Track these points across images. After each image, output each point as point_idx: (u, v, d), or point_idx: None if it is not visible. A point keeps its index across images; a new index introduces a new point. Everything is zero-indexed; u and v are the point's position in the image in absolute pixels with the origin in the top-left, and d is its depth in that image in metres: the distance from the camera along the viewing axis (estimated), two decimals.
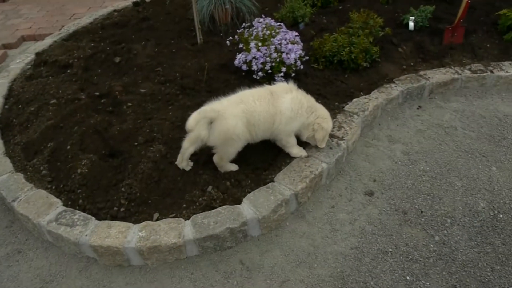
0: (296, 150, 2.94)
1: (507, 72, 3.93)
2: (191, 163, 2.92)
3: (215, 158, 2.82)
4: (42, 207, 2.69)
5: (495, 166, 3.10)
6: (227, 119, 2.60)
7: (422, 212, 2.76)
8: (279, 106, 2.73)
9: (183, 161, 2.86)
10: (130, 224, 2.54)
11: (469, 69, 3.97)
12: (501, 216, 2.71)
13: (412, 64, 4.08)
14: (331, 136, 3.12)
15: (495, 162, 3.13)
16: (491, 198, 2.84)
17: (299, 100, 2.78)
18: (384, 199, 2.87)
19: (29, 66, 4.37)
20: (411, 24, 4.42)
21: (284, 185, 2.71)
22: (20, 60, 4.43)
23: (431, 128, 3.50)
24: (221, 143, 2.68)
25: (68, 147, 3.09)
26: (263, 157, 2.98)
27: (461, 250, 2.51)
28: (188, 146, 2.78)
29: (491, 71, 3.93)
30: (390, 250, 2.54)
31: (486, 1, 5.12)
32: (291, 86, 2.84)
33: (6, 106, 3.77)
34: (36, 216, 2.64)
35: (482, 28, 4.57)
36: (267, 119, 2.72)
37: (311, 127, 2.85)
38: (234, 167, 2.89)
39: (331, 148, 3.01)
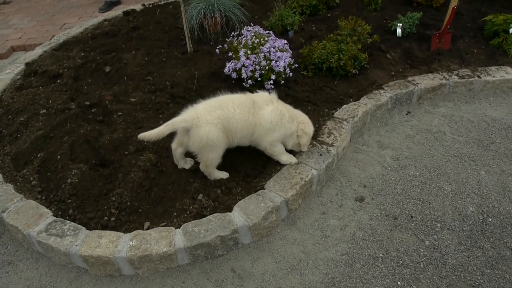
0: (285, 158, 2.95)
1: (494, 77, 3.98)
2: (191, 161, 2.95)
3: (201, 167, 2.83)
4: (32, 218, 2.67)
5: (484, 170, 3.14)
6: (200, 127, 2.60)
7: (412, 217, 2.78)
8: (259, 118, 2.73)
9: (179, 161, 2.93)
10: (121, 234, 2.53)
11: (457, 75, 4.02)
12: (490, 220, 2.74)
13: (400, 70, 4.12)
14: (321, 142, 3.14)
15: (484, 166, 3.17)
16: (480, 202, 2.87)
17: (280, 111, 2.78)
18: (374, 205, 2.89)
19: (19, 77, 4.35)
20: (399, 31, 4.48)
21: (275, 192, 2.72)
22: (10, 71, 4.41)
23: (420, 133, 3.54)
24: (199, 149, 2.69)
25: (58, 157, 3.09)
26: (253, 165, 2.99)
27: (451, 255, 2.53)
28: (176, 147, 2.85)
29: (478, 76, 3.99)
30: (381, 255, 2.55)
31: (472, 8, 5.21)
32: (272, 96, 2.83)
33: None
34: (26, 226, 2.62)
35: (469, 34, 4.64)
36: (246, 128, 2.72)
37: (295, 135, 2.87)
38: (223, 175, 2.89)
39: (321, 155, 3.02)
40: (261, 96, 2.84)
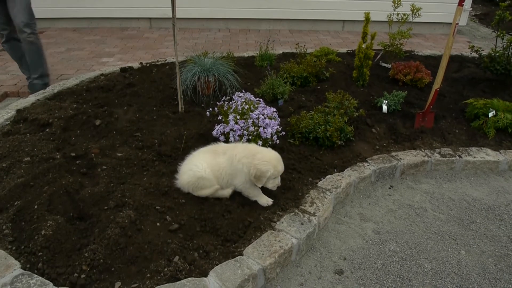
0: (262, 200, 3.22)
1: (474, 157, 4.10)
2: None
3: None
4: None
5: (464, 249, 3.13)
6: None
7: None
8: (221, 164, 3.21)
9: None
10: None
11: (439, 153, 4.13)
12: None
13: (384, 144, 4.24)
14: (303, 211, 3.14)
15: (464, 246, 3.17)
16: (460, 283, 2.83)
17: (230, 157, 3.18)
18: (353, 279, 2.83)
19: (8, 122, 4.35)
20: (384, 107, 4.66)
21: (253, 259, 2.67)
22: (0, 116, 4.43)
23: (402, 208, 3.56)
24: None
25: (36, 206, 3.01)
26: (234, 229, 2.95)
27: None
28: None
29: (460, 156, 4.10)
30: None
31: (454, 90, 5.48)
32: (227, 147, 3.28)
33: None
34: None
35: (451, 115, 4.84)
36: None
37: (251, 171, 3.08)
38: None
39: (302, 224, 3.01)
40: (221, 147, 3.31)
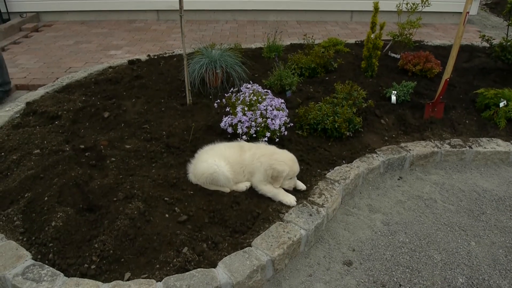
0: (286, 199, 3.16)
1: (485, 148, 4.05)
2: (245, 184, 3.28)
3: None
4: (10, 259, 2.58)
5: (474, 241, 3.11)
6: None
7: (400, 285, 2.71)
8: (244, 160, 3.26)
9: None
10: (99, 283, 2.44)
11: (449, 144, 4.09)
12: None
13: (393, 135, 4.20)
14: (312, 202, 3.13)
15: (474, 237, 3.14)
16: (470, 274, 2.81)
17: (254, 154, 3.26)
18: (362, 270, 2.83)
19: (18, 115, 4.39)
20: (393, 98, 4.61)
21: (261, 250, 2.67)
22: (10, 108, 4.46)
23: (411, 199, 3.54)
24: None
25: (46, 198, 3.05)
26: (242, 220, 2.95)
27: None
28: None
29: (470, 147, 4.06)
30: None
31: (465, 80, 5.41)
32: (252, 144, 3.36)
33: None
34: (3, 268, 2.53)
35: (461, 105, 4.78)
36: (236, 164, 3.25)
37: (268, 171, 3.15)
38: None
39: (311, 215, 3.00)
40: (247, 145, 3.37)
